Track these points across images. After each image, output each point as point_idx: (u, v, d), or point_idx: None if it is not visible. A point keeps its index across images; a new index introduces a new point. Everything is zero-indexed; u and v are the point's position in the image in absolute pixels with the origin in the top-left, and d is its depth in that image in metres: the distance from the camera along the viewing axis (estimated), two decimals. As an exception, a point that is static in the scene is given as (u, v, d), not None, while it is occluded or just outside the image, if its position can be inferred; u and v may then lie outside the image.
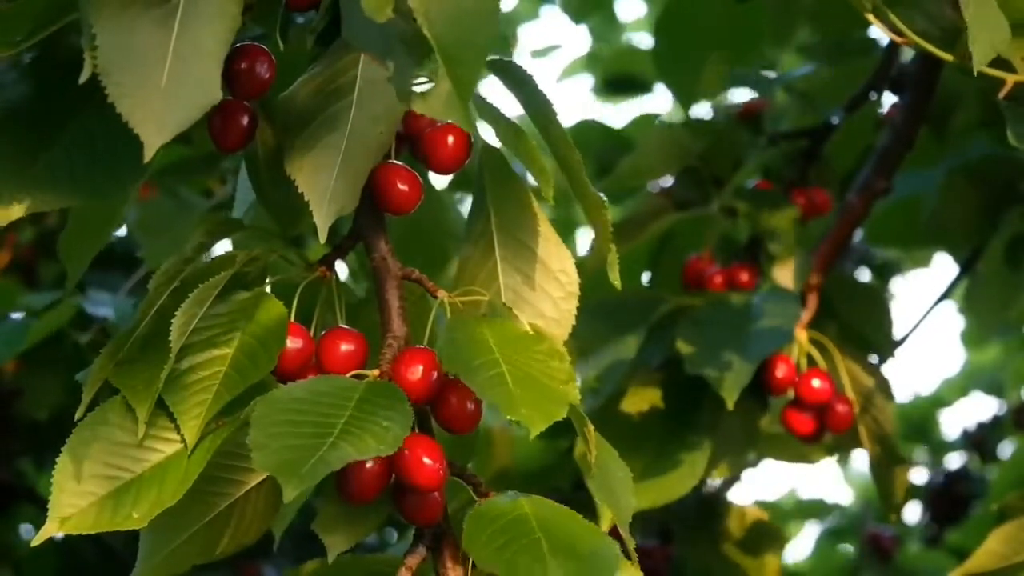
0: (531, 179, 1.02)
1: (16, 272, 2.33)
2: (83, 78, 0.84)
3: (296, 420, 0.85)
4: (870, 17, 1.19)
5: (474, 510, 0.88)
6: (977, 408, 4.76)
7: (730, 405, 1.42)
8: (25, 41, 0.92)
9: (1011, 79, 1.23)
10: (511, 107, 1.02)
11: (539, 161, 0.96)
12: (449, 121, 0.97)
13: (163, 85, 0.84)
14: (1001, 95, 1.24)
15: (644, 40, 3.14)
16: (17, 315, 1.81)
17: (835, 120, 1.86)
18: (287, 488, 0.80)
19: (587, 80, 3.00)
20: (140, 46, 0.84)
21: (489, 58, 0.98)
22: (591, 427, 0.94)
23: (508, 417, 0.86)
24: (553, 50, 3.46)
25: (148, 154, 0.83)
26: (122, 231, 2.24)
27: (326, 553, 0.94)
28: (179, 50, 0.84)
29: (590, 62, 3.12)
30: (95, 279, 2.05)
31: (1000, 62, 1.19)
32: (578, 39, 4.91)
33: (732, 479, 2.09)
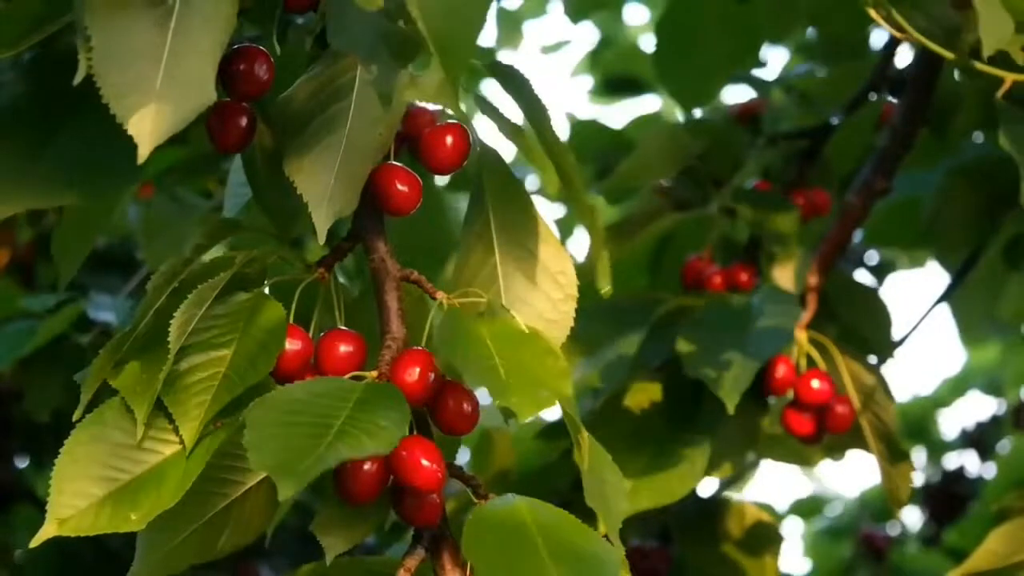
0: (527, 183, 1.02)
1: (15, 273, 2.32)
2: (78, 79, 0.84)
3: (293, 421, 0.85)
4: (872, 13, 1.18)
5: (472, 516, 0.88)
6: (976, 408, 4.76)
7: (731, 408, 1.42)
8: (22, 41, 0.92)
9: (1010, 77, 1.23)
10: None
11: (541, 158, 0.96)
12: (440, 105, 0.97)
13: (158, 87, 0.84)
14: (999, 94, 1.24)
15: (647, 41, 3.12)
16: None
17: (835, 120, 1.86)
18: (283, 487, 0.80)
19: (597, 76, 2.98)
20: (135, 47, 0.84)
21: (490, 61, 0.99)
22: (585, 434, 0.94)
23: (497, 402, 0.85)
24: (563, 45, 3.45)
25: (142, 155, 0.83)
26: (123, 233, 2.24)
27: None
28: (174, 51, 0.84)
29: (598, 60, 3.11)
30: (95, 281, 2.05)
31: (999, 60, 1.19)
32: (588, 34, 4.89)
33: (732, 479, 2.09)
